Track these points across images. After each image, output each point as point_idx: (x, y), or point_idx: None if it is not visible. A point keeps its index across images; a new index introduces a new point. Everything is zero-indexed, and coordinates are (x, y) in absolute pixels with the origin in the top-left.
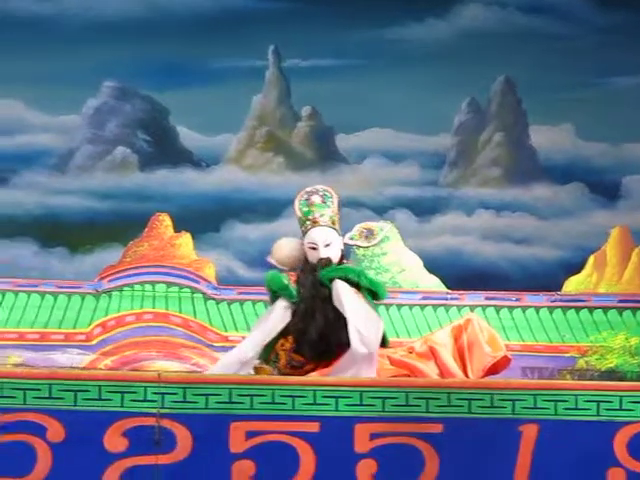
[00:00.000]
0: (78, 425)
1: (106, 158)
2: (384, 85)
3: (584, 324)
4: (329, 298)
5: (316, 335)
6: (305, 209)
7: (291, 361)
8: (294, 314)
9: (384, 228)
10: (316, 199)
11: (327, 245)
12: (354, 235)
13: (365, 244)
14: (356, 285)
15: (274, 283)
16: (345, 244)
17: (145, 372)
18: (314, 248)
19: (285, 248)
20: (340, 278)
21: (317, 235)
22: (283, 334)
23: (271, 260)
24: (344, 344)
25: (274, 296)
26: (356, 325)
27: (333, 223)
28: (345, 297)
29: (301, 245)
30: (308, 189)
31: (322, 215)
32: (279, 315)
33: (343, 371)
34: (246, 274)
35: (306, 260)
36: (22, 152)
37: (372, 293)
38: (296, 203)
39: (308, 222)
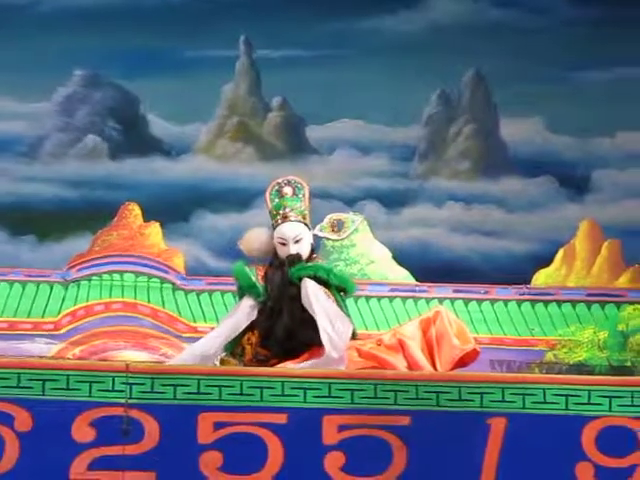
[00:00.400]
0: (46, 414)
1: (76, 146)
2: (355, 76)
3: (553, 317)
4: (297, 296)
5: (283, 333)
6: (276, 201)
7: (257, 355)
8: (261, 312)
9: (355, 221)
10: (287, 190)
11: (297, 241)
12: (324, 226)
13: (335, 237)
14: (325, 283)
15: (242, 279)
16: (315, 236)
17: (113, 362)
18: (284, 244)
19: (256, 240)
20: (309, 276)
21: (287, 231)
22: (250, 328)
23: (241, 248)
24: (311, 342)
25: (241, 291)
26: (326, 328)
27: (304, 217)
28: (314, 298)
29: (271, 237)
30: (279, 180)
31: (292, 209)
32: (245, 314)
33: None
34: (215, 264)
35: (275, 254)
36: None
37: (341, 289)
38: (267, 194)
39: (278, 216)
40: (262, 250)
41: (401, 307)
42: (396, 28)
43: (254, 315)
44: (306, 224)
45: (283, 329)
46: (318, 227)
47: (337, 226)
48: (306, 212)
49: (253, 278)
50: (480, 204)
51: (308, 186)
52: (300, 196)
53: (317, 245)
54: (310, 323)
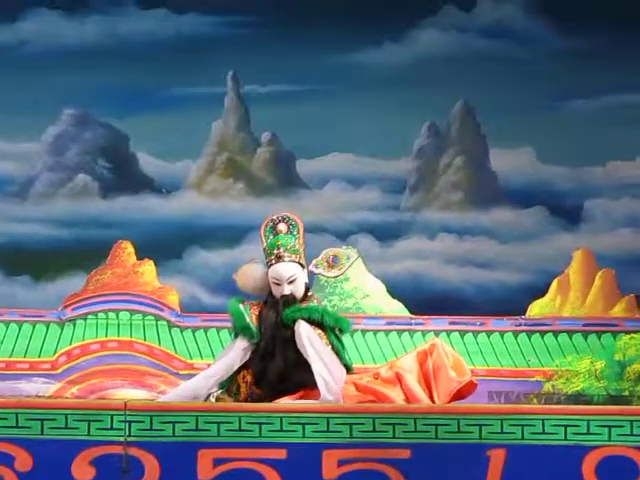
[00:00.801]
0: (46, 454)
1: (67, 185)
2: (343, 110)
3: (549, 348)
4: (290, 338)
5: (275, 377)
6: (270, 238)
7: (252, 394)
8: (254, 352)
9: (350, 257)
10: (282, 227)
11: (291, 282)
12: (319, 262)
13: (330, 274)
14: (319, 324)
15: (236, 320)
16: (310, 272)
17: (111, 400)
18: (278, 284)
19: (250, 276)
20: (303, 319)
21: (281, 271)
22: (245, 366)
23: (236, 282)
24: (305, 384)
25: (235, 331)
26: (321, 372)
27: (298, 256)
28: (307, 342)
29: (266, 274)
30: (274, 216)
31: (287, 249)
32: (238, 355)
33: None
34: (210, 301)
35: (270, 292)
36: None
37: (337, 328)
38: (262, 230)
39: (272, 256)
40: (257, 287)
41: (397, 340)
42: (383, 61)
43: (247, 356)
44: (300, 263)
45: (276, 372)
46: (313, 263)
47: (333, 261)
48: (300, 250)
49: (247, 319)
50: (472, 235)
51: (302, 222)
52: (295, 233)
53: (311, 279)
54: (303, 366)
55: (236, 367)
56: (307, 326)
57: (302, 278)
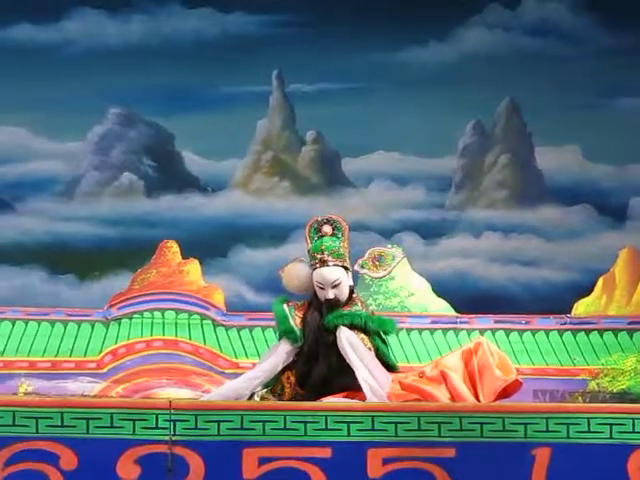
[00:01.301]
0: (91, 453)
1: (112, 184)
2: (389, 108)
3: (594, 346)
4: (333, 343)
5: (319, 380)
6: (315, 240)
7: (296, 395)
8: (298, 355)
9: (396, 257)
10: (327, 229)
11: (335, 286)
12: (365, 262)
13: (376, 275)
14: (363, 329)
15: (281, 323)
16: (355, 272)
17: (156, 400)
18: (322, 288)
19: (295, 276)
20: (345, 325)
21: (325, 276)
22: (289, 367)
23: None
24: (348, 388)
25: (280, 333)
26: (365, 378)
27: (342, 259)
28: (350, 348)
29: (311, 275)
30: (319, 218)
31: (331, 253)
32: (281, 359)
33: None
34: (255, 299)
35: (315, 294)
36: (28, 179)
37: (381, 331)
38: (306, 231)
39: (317, 260)
40: (301, 286)
41: (442, 339)
42: (428, 60)
43: (291, 359)
44: (345, 266)
45: (319, 376)
46: (359, 263)
47: (378, 261)
48: (344, 253)
49: (291, 322)
50: (518, 233)
51: (347, 225)
52: (339, 235)
53: (356, 278)
54: (347, 371)
55: (279, 369)
56: (348, 332)
57: (346, 282)
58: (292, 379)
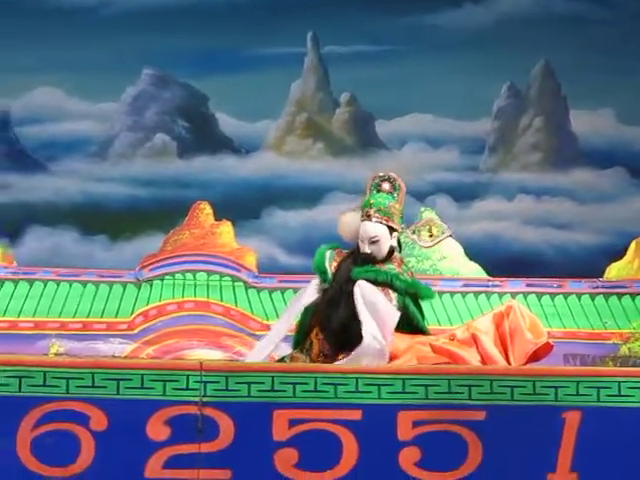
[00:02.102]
0: (121, 414)
1: (146, 145)
2: (423, 71)
3: (626, 310)
4: (352, 296)
5: (337, 325)
6: (368, 196)
7: (324, 349)
8: (323, 296)
9: (445, 232)
10: (385, 186)
11: (373, 242)
12: (417, 229)
13: (423, 243)
14: (390, 286)
15: (317, 262)
16: (407, 237)
17: (187, 361)
18: (362, 241)
19: (346, 225)
20: (368, 280)
21: (366, 230)
22: (317, 323)
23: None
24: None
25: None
26: (369, 330)
27: (387, 217)
28: (360, 300)
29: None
30: (381, 173)
31: (378, 210)
32: (310, 291)
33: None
34: (287, 261)
35: (357, 246)
36: (62, 139)
37: (413, 293)
38: (368, 184)
39: (364, 214)
40: (351, 236)
41: (474, 302)
42: (463, 22)
43: (317, 295)
44: (389, 226)
45: (338, 321)
46: (412, 228)
47: (429, 231)
48: (393, 213)
49: (327, 264)
50: (551, 197)
51: (405, 187)
52: (395, 195)
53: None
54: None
55: (308, 303)
56: (364, 284)
57: (386, 240)
58: (320, 335)
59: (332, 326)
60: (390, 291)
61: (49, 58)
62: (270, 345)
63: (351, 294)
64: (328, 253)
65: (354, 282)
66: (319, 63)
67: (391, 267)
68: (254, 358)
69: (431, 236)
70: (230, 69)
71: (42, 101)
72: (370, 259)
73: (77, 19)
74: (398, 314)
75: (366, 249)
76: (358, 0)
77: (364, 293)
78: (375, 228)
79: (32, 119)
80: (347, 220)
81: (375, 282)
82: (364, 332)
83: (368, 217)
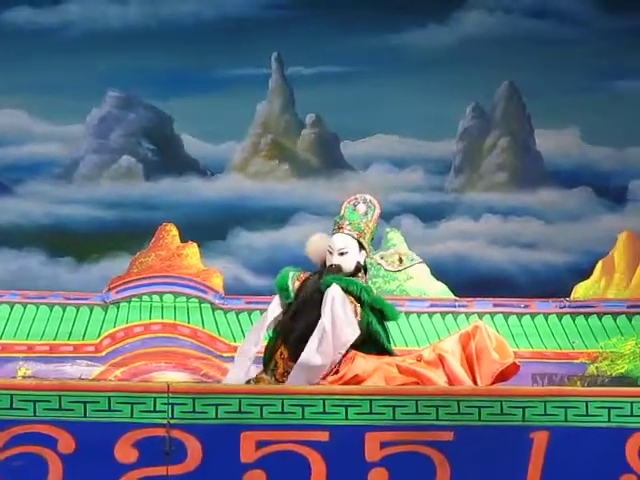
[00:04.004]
0: (88, 436)
1: (111, 167)
2: (388, 91)
3: (593, 330)
4: (319, 305)
5: (298, 334)
6: (342, 214)
7: (288, 369)
8: (285, 312)
9: (414, 259)
10: (361, 208)
11: (342, 253)
12: (385, 256)
13: (390, 268)
14: (357, 298)
15: (277, 281)
16: (373, 259)
17: (154, 383)
18: (330, 252)
19: (314, 244)
20: (340, 285)
21: (335, 241)
22: (282, 342)
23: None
24: None
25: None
26: (322, 330)
27: (359, 232)
28: (330, 301)
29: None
30: (358, 195)
31: (351, 223)
32: (273, 306)
33: (295, 380)
34: (254, 282)
35: (324, 262)
36: (27, 162)
37: (379, 311)
38: (344, 205)
39: (335, 226)
40: (319, 255)
41: (441, 322)
42: (427, 42)
43: (278, 311)
44: (359, 241)
45: (299, 331)
46: (380, 254)
47: (398, 259)
48: (364, 230)
49: (289, 282)
50: (517, 216)
51: (380, 209)
52: (369, 215)
53: (367, 267)
54: None
55: (271, 318)
56: (337, 289)
57: (354, 254)
58: (285, 354)
59: (293, 336)
60: (357, 305)
61: (13, 80)
62: (246, 362)
63: (316, 304)
64: (291, 273)
65: (321, 293)
66: (284, 84)
67: (360, 281)
68: (234, 379)
69: (400, 262)
70: (195, 90)
71: (6, 123)
72: (336, 271)
73: (41, 40)
74: (357, 334)
75: (334, 260)
76: (322, 20)
77: (335, 296)
78: (345, 240)
79: None
80: (315, 239)
81: (345, 291)
82: (316, 331)
83: (340, 229)
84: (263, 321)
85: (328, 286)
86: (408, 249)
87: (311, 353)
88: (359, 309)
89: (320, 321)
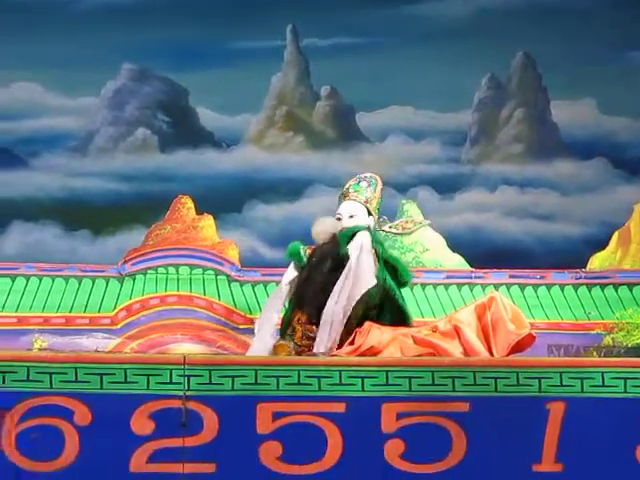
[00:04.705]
0: (105, 408)
1: (127, 140)
2: (403, 62)
3: (609, 301)
4: (331, 269)
5: (313, 293)
6: (346, 187)
7: (306, 333)
8: (299, 277)
9: (422, 222)
10: (363, 184)
11: (351, 216)
12: (394, 225)
13: (397, 231)
14: (375, 253)
15: (289, 251)
16: (382, 229)
17: (170, 355)
18: (339, 219)
19: (320, 224)
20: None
21: (343, 207)
22: (299, 307)
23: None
24: None
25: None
26: (341, 288)
27: (365, 199)
28: (358, 248)
29: (336, 224)
30: (361, 175)
31: (356, 191)
32: (287, 274)
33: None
34: (270, 254)
35: (334, 234)
36: (42, 135)
37: (392, 269)
38: (347, 185)
39: (341, 196)
40: (326, 235)
41: (457, 294)
42: (443, 13)
43: (293, 276)
44: (367, 207)
45: (312, 292)
46: (389, 224)
47: (405, 225)
48: (370, 197)
49: (300, 251)
50: (533, 188)
51: (383, 184)
52: (372, 187)
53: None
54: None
55: (287, 283)
56: (368, 235)
57: (364, 218)
58: (302, 318)
59: (308, 296)
60: (376, 258)
61: (27, 53)
62: (269, 329)
63: (328, 265)
64: (302, 246)
65: (339, 257)
66: (299, 56)
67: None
68: (258, 349)
69: (407, 226)
70: (210, 62)
71: (21, 96)
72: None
73: (55, 13)
74: (374, 282)
75: (344, 224)
76: None
77: (364, 241)
78: (353, 205)
79: (11, 115)
80: (320, 221)
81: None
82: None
83: (346, 197)
84: (280, 290)
85: (348, 235)
86: (416, 216)
87: (336, 290)
88: (377, 263)
89: (341, 277)
